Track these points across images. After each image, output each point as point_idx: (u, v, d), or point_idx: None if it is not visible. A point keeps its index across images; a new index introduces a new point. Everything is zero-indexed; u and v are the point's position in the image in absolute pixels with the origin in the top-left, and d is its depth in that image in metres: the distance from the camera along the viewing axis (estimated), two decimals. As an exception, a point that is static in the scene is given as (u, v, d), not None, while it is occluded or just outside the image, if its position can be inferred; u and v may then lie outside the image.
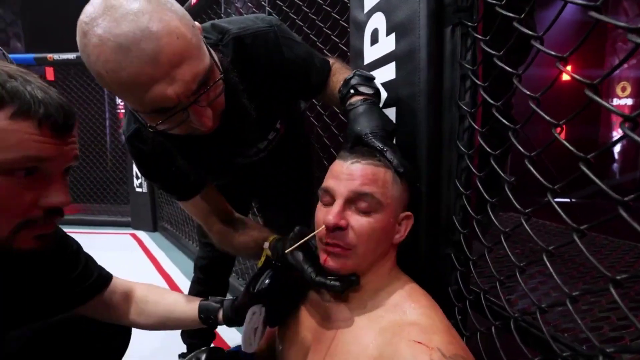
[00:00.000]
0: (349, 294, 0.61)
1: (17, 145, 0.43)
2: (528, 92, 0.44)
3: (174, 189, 0.79)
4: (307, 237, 0.62)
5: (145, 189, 3.28)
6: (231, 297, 0.73)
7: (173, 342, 1.31)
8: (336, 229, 0.55)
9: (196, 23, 0.60)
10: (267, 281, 0.65)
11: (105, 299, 0.74)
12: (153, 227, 3.32)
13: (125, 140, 0.73)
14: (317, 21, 1.21)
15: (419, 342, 0.48)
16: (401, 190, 0.60)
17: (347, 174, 0.57)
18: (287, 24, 1.40)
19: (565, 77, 0.49)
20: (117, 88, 0.50)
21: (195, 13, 2.16)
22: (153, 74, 0.48)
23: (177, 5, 0.53)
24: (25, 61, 3.47)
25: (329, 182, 0.59)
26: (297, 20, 1.31)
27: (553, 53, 0.39)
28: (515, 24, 0.47)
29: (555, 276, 0.39)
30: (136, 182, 3.32)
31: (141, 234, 3.28)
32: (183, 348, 1.27)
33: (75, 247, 0.72)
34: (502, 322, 0.56)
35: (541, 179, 0.42)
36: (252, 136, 0.79)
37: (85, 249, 0.75)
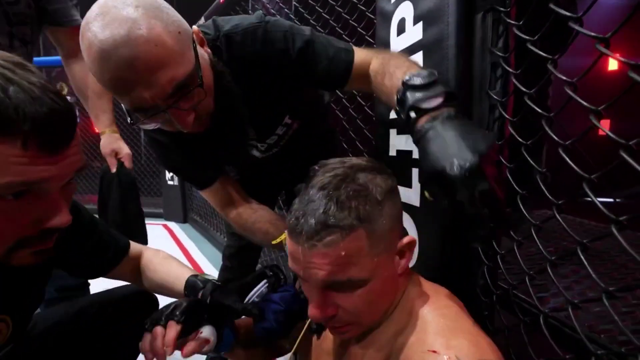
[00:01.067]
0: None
1: None
2: (564, 77, 0.42)
3: (192, 178, 0.83)
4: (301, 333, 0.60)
5: (176, 182, 3.41)
6: (215, 283, 0.70)
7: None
8: (329, 319, 0.47)
9: (193, 28, 0.62)
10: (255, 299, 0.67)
11: (124, 263, 0.79)
12: (184, 218, 3.46)
13: (143, 132, 0.78)
14: (343, 14, 1.21)
15: (433, 351, 0.42)
16: (387, 230, 0.46)
17: (307, 262, 0.44)
18: (313, 18, 1.40)
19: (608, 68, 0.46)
20: (104, 87, 0.54)
21: (223, 10, 2.22)
22: (130, 78, 0.51)
23: (168, 12, 0.55)
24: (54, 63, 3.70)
25: (292, 264, 0.47)
26: (323, 14, 1.31)
27: (592, 34, 0.36)
28: (552, 6, 0.44)
29: (590, 269, 0.37)
30: (168, 175, 3.47)
31: (172, 225, 3.42)
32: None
33: (87, 221, 0.71)
34: (531, 319, 0.54)
35: (576, 168, 0.40)
36: (249, 135, 0.78)
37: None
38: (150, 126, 0.62)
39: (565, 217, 1.25)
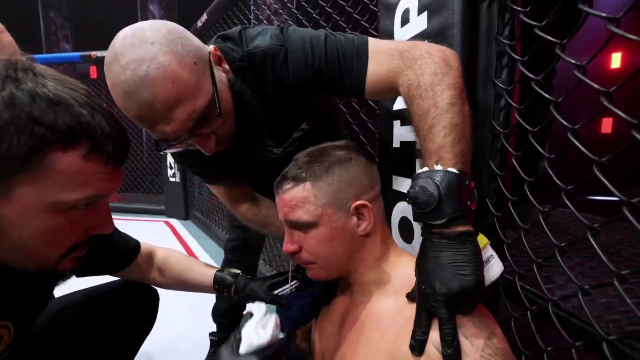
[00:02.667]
0: (358, 289, 0.61)
1: (85, 185, 0.43)
2: (573, 61, 0.41)
3: (203, 174, 0.85)
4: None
5: (178, 179, 3.41)
6: (246, 277, 0.80)
7: (204, 321, 1.37)
8: (294, 253, 0.59)
9: (210, 48, 0.61)
10: (291, 289, 0.71)
11: (135, 263, 0.81)
12: (185, 215, 3.46)
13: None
14: (346, 7, 1.20)
15: None
16: (336, 189, 0.56)
17: (279, 205, 0.60)
18: (316, 12, 1.40)
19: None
20: (132, 120, 0.57)
21: (225, 5, 2.21)
22: (151, 117, 0.54)
23: (183, 42, 0.55)
24: (72, 59, 3.73)
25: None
26: (326, 7, 1.31)
27: (603, 15, 0.36)
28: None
29: (601, 254, 0.37)
30: (170, 173, 3.47)
31: (174, 222, 3.43)
32: (213, 327, 1.32)
33: None
34: (539, 308, 0.53)
35: (586, 152, 0.39)
36: (263, 151, 0.80)
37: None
38: (177, 150, 0.64)
39: (564, 211, 1.25)
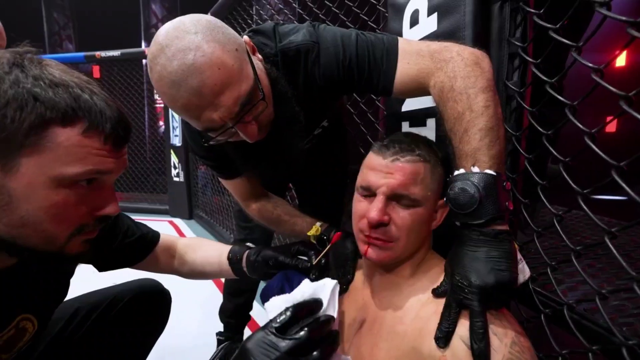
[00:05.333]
0: (387, 282, 0.61)
1: (84, 159, 0.45)
2: (589, 64, 0.41)
3: (218, 169, 0.86)
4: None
5: (182, 179, 3.42)
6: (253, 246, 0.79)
7: (211, 322, 1.38)
8: (379, 225, 0.55)
9: (245, 38, 0.63)
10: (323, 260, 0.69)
11: (153, 254, 0.81)
12: (189, 215, 3.47)
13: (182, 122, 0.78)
14: (353, 7, 1.20)
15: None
16: (439, 180, 0.58)
17: (386, 172, 0.55)
18: (322, 12, 1.39)
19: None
20: (176, 112, 0.59)
21: (231, 5, 2.21)
22: (199, 104, 0.55)
23: (223, 31, 0.57)
24: (76, 59, 3.73)
25: (369, 176, 0.57)
26: (332, 8, 1.30)
27: (623, 18, 0.36)
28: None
29: (620, 259, 0.37)
30: (174, 172, 3.47)
31: (178, 221, 3.43)
32: (221, 327, 1.33)
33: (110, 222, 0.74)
34: (552, 311, 0.53)
35: (604, 155, 0.39)
36: (300, 139, 0.79)
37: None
38: (220, 141, 0.64)
39: (578, 213, 1.24)
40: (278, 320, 0.46)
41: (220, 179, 0.90)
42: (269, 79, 0.63)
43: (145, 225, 0.82)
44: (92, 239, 0.53)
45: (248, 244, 0.81)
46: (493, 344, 0.44)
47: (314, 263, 0.69)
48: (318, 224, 0.81)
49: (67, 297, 0.80)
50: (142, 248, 0.80)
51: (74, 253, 0.51)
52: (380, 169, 0.56)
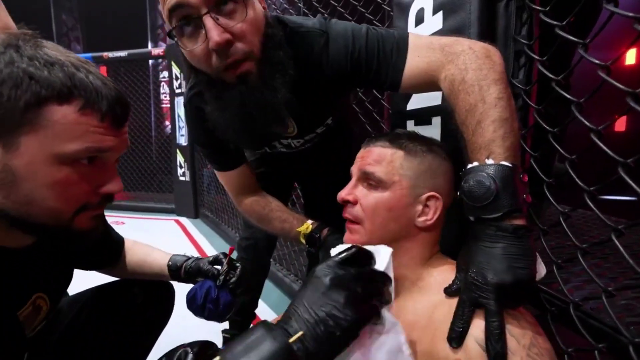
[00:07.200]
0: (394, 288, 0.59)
1: (82, 137, 0.45)
2: (597, 61, 0.41)
3: (215, 159, 0.85)
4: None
5: (188, 178, 3.45)
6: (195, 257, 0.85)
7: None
8: (347, 203, 0.60)
9: None
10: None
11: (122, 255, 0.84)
12: (195, 214, 3.49)
13: (186, 101, 0.78)
14: (358, 7, 1.20)
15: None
16: (422, 172, 0.57)
17: (360, 156, 0.62)
18: (327, 11, 1.40)
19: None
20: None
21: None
22: None
23: None
24: (83, 59, 3.77)
25: (354, 165, 0.64)
26: (338, 7, 1.31)
27: (631, 14, 0.36)
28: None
29: (628, 257, 0.36)
30: (180, 172, 3.50)
31: (184, 220, 3.46)
32: (226, 324, 1.33)
33: None
34: (558, 309, 0.53)
35: (611, 153, 0.39)
36: (285, 91, 0.70)
37: (134, 233, 0.82)
38: (188, 47, 0.60)
39: (585, 213, 1.23)
40: (342, 255, 0.42)
41: (215, 172, 0.89)
42: (266, 21, 0.62)
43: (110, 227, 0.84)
44: (101, 214, 0.54)
45: (185, 254, 0.85)
46: (510, 346, 0.41)
47: (222, 270, 0.76)
48: (309, 221, 0.81)
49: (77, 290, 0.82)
50: (115, 249, 0.82)
51: (84, 228, 0.52)
52: (359, 156, 0.62)
